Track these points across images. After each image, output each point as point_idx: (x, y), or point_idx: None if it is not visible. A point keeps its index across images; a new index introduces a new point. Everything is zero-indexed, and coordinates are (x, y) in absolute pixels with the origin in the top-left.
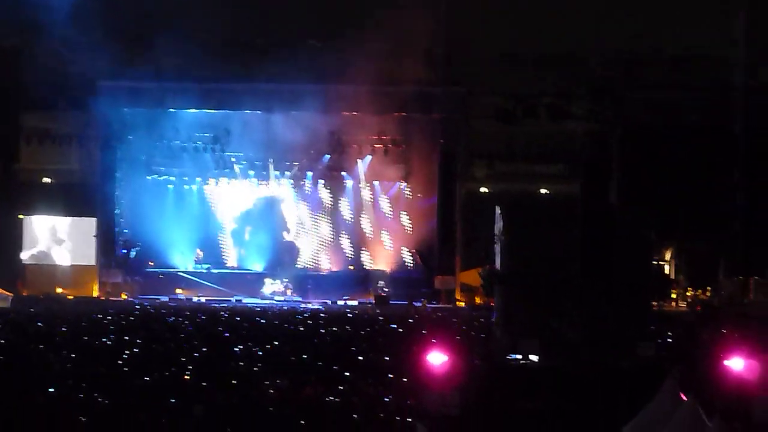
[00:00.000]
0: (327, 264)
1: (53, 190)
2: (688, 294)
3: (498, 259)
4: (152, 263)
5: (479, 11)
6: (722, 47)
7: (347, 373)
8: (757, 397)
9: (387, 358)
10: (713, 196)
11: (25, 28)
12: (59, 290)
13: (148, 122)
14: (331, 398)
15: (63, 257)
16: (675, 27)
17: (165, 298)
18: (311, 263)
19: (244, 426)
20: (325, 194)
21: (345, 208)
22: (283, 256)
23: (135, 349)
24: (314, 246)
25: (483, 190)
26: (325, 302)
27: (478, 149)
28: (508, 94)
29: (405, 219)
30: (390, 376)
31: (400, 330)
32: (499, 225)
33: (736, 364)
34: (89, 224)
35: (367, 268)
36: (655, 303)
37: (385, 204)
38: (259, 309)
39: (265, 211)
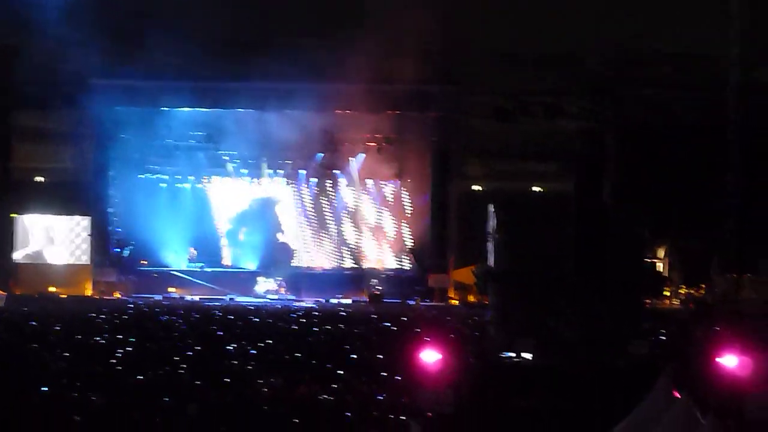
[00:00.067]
0: (320, 262)
1: (46, 189)
2: (681, 291)
3: (491, 257)
4: (146, 262)
5: (474, 9)
6: (718, 46)
7: (341, 372)
8: (751, 395)
9: (381, 357)
10: (707, 194)
11: (17, 26)
12: (53, 289)
13: (142, 121)
14: (325, 396)
15: (56, 256)
16: (671, 26)
17: (158, 297)
18: (305, 262)
19: (238, 424)
20: (318, 192)
21: (338, 207)
22: (277, 257)
23: (128, 348)
24: (307, 244)
25: (477, 188)
26: (319, 301)
27: (473, 147)
28: (503, 92)
29: (398, 217)
30: (384, 374)
31: (394, 328)
32: (492, 223)
33: (730, 361)
34: (83, 223)
35: (361, 266)
36: (648, 301)
37: (378, 202)
38: (252, 307)
39: (260, 213)
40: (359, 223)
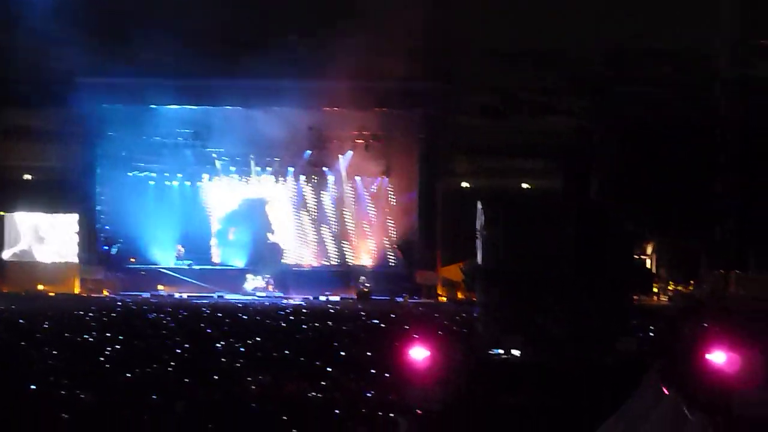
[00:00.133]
0: (308, 260)
1: (34, 187)
2: (669, 288)
3: (480, 254)
4: (134, 260)
5: (464, 7)
6: (709, 44)
7: (329, 369)
8: (738, 391)
9: (369, 354)
10: (696, 191)
11: (4, 24)
12: (41, 287)
13: (129, 118)
14: (313, 394)
15: (44, 254)
16: (662, 23)
17: (146, 295)
18: (293, 259)
19: (226, 422)
20: (306, 190)
21: (326, 204)
22: (265, 254)
23: (117, 346)
24: (295, 242)
25: (465, 185)
26: (307, 298)
27: (461, 144)
28: (492, 89)
29: (386, 214)
30: (372, 371)
31: (382, 325)
32: (480, 220)
33: (718, 357)
34: (70, 221)
35: (349, 263)
36: (636, 297)
37: (366, 199)
38: (240, 305)
39: (247, 210)
40: (347, 220)
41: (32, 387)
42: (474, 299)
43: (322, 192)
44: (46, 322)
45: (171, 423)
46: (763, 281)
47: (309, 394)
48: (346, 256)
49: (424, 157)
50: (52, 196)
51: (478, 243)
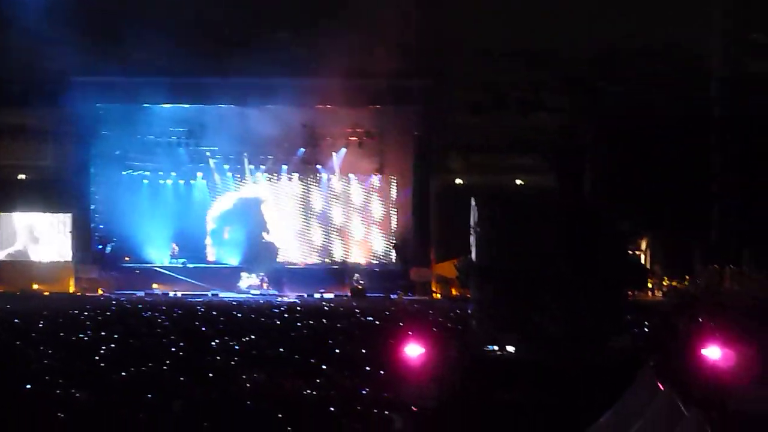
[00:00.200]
0: (303, 257)
1: (28, 187)
2: (664, 284)
3: (474, 251)
4: (128, 258)
5: (457, 4)
6: (698, 41)
7: (324, 367)
8: (734, 387)
9: (364, 351)
10: (690, 187)
11: None
12: (35, 287)
13: (123, 117)
14: (308, 392)
15: (39, 254)
16: (654, 21)
17: (141, 293)
18: (287, 257)
19: (222, 420)
20: (300, 188)
21: (320, 201)
22: (259, 253)
23: (112, 345)
24: (290, 240)
25: (459, 181)
26: (301, 296)
27: (455, 141)
28: (485, 86)
29: (380, 211)
30: (367, 368)
31: (377, 322)
32: (474, 217)
33: (713, 353)
34: (65, 220)
35: (343, 261)
36: (631, 293)
37: (360, 197)
38: (235, 303)
39: (241, 208)
40: (341, 218)
41: (28, 386)
42: (468, 296)
43: (315, 190)
44: (42, 322)
45: (167, 421)
46: (757, 277)
47: (304, 392)
48: (341, 254)
49: (417, 155)
50: (46, 195)
51: (472, 240)
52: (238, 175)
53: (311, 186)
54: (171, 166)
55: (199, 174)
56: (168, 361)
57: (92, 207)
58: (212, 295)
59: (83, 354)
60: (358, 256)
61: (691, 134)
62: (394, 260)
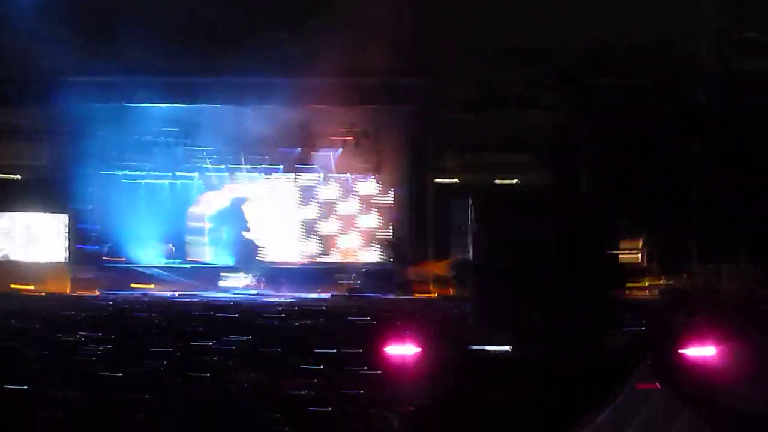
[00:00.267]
0: (298, 257)
1: (22, 187)
2: (660, 282)
3: (470, 249)
4: (123, 258)
5: (451, 2)
6: (692, 37)
7: (320, 366)
8: (727, 384)
9: (360, 350)
10: (685, 184)
11: None
12: (31, 287)
13: (117, 117)
14: (304, 391)
15: (34, 254)
16: (647, 19)
17: (137, 293)
18: (283, 257)
19: (220, 421)
20: (294, 187)
21: (315, 201)
22: (255, 252)
23: (108, 345)
24: (285, 239)
25: (454, 180)
26: (297, 295)
27: (450, 140)
28: (479, 85)
29: (376, 211)
30: (363, 368)
31: (373, 322)
32: (470, 216)
33: (708, 351)
34: (59, 220)
35: (339, 260)
36: (627, 291)
37: (356, 196)
38: (231, 303)
39: (237, 208)
40: (336, 217)
41: (25, 387)
42: (464, 295)
43: (310, 189)
44: (37, 322)
45: (166, 422)
46: (753, 274)
47: (300, 392)
48: (336, 253)
49: (413, 153)
50: (41, 195)
51: (468, 239)
52: (233, 175)
53: (306, 186)
54: (165, 165)
55: (194, 174)
56: (165, 362)
57: (87, 207)
58: (208, 295)
59: (79, 354)
60: (353, 256)
61: (685, 132)
62: (390, 259)
